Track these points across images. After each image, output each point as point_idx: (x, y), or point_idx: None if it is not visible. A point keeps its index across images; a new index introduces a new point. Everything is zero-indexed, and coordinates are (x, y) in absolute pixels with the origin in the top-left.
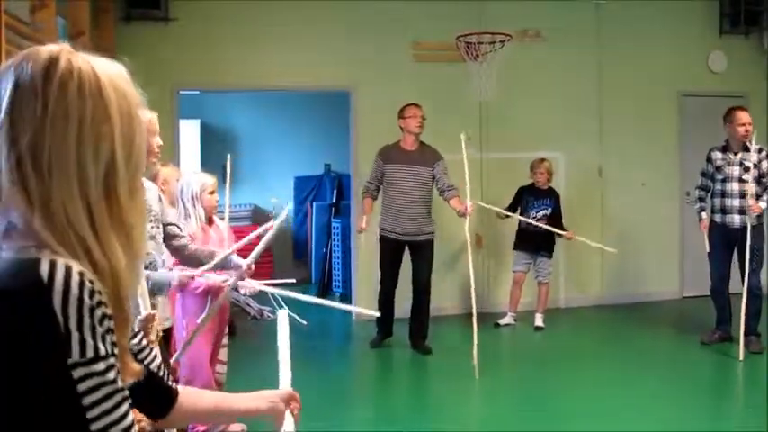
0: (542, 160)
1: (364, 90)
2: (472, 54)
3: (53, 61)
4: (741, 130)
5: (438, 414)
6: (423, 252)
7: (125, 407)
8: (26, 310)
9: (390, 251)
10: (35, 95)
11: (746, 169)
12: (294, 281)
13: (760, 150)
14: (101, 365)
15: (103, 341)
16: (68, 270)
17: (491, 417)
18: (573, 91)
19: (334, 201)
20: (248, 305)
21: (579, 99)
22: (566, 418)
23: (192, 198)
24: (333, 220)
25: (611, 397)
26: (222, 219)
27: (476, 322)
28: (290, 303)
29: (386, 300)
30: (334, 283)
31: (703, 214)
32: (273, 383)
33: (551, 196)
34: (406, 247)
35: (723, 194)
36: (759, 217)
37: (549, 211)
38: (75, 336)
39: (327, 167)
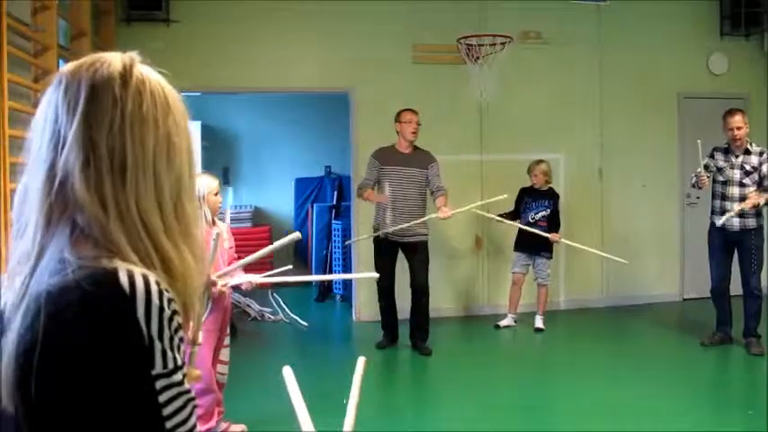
0: (539, 162)
1: (364, 92)
2: (473, 56)
3: (127, 68)
4: (729, 134)
5: (437, 415)
6: (417, 254)
7: (195, 415)
8: (110, 321)
9: (384, 251)
10: (114, 99)
11: (747, 173)
12: (290, 267)
13: (761, 153)
14: (179, 376)
15: (178, 350)
16: (147, 280)
17: (490, 418)
18: (573, 93)
19: (334, 202)
20: (249, 306)
21: (579, 101)
22: (565, 419)
23: (199, 199)
24: (333, 221)
25: (611, 398)
26: (223, 220)
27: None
28: (291, 306)
29: (386, 299)
30: (334, 284)
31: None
32: (273, 383)
33: (550, 197)
34: (400, 249)
35: (723, 197)
36: (759, 218)
37: (547, 212)
38: (157, 346)
39: (328, 169)
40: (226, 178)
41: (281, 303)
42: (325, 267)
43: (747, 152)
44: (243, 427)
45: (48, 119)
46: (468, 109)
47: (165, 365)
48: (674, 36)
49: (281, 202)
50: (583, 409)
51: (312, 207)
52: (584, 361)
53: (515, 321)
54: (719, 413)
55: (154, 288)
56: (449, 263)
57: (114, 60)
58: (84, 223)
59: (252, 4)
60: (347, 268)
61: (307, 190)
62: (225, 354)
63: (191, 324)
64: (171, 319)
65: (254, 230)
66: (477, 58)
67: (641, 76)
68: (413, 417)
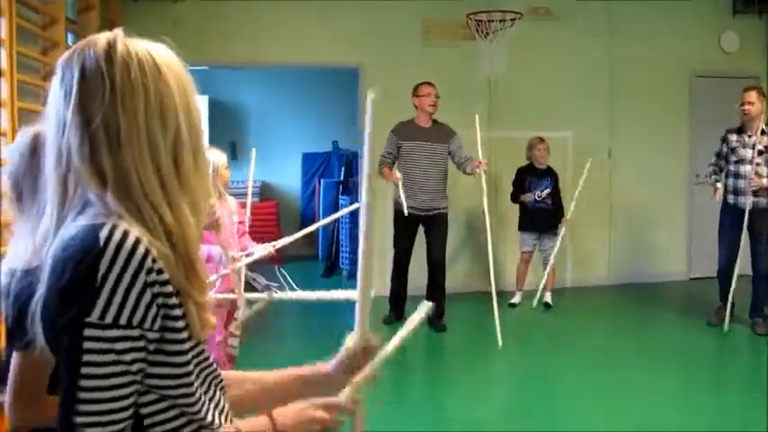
0: (542, 140)
1: (373, 67)
2: (482, 32)
3: (112, 45)
4: (741, 108)
5: (449, 392)
6: (437, 227)
7: (126, 378)
8: (77, 265)
9: (405, 226)
10: (102, 78)
11: (760, 152)
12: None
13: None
14: (114, 332)
15: (143, 314)
16: (125, 237)
17: (499, 396)
18: (583, 70)
19: (342, 178)
20: (255, 280)
21: (589, 78)
22: (570, 398)
23: (212, 172)
24: (341, 197)
25: (616, 377)
26: (231, 195)
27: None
28: (297, 281)
29: (399, 275)
30: (341, 261)
31: (718, 184)
32: (280, 357)
33: (550, 175)
34: (420, 225)
35: (737, 176)
36: None
37: (549, 189)
38: (103, 297)
39: (335, 144)
40: (233, 153)
41: (288, 278)
42: (332, 243)
43: (763, 132)
44: None
45: (52, 109)
46: (478, 85)
47: (102, 317)
48: (686, 13)
49: (288, 177)
50: (591, 387)
51: (319, 182)
52: (591, 339)
53: (522, 298)
54: (725, 391)
55: (128, 245)
56: (459, 239)
57: (99, 40)
58: (88, 195)
59: None
60: (354, 244)
61: (314, 165)
62: (236, 326)
63: (205, 281)
64: (137, 275)
65: (262, 205)
66: (487, 34)
67: (652, 54)
68: (426, 393)
